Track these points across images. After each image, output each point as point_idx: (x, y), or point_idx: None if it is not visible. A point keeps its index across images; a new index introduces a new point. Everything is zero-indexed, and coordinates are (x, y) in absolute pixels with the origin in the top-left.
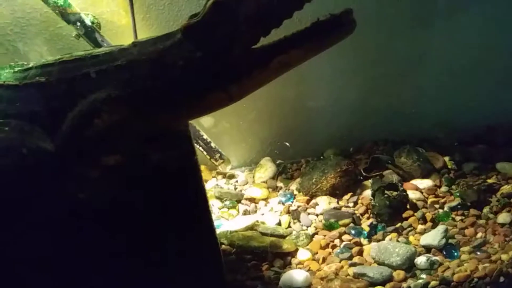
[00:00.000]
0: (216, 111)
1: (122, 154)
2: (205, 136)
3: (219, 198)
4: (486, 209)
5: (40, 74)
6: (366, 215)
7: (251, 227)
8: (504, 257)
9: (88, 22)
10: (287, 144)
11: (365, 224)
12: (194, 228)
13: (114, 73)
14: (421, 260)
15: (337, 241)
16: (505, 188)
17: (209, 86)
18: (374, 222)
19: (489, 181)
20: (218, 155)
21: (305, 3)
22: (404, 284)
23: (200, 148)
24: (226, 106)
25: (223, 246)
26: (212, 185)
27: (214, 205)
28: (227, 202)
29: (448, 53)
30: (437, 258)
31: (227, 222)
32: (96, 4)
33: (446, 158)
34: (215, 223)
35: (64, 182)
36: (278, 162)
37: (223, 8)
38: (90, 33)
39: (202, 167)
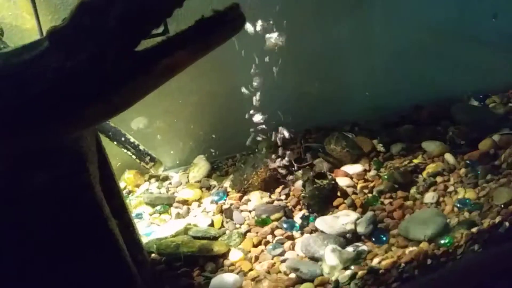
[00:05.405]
0: (101, 123)
1: None
2: (132, 140)
3: (149, 204)
4: (413, 190)
5: None
6: (298, 207)
7: (183, 231)
8: None
9: None
10: (213, 136)
11: (298, 217)
12: (92, 253)
13: None
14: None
15: (269, 237)
16: (430, 167)
17: (87, 99)
18: (306, 213)
19: (415, 161)
20: (148, 157)
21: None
22: (333, 277)
23: (129, 152)
24: (112, 117)
25: (153, 255)
26: (142, 190)
27: (145, 211)
28: (158, 207)
29: (379, 36)
30: (364, 247)
31: (158, 228)
32: None
33: (375, 141)
34: (146, 230)
35: None
36: (212, 159)
37: (92, 9)
38: None
39: (133, 172)
